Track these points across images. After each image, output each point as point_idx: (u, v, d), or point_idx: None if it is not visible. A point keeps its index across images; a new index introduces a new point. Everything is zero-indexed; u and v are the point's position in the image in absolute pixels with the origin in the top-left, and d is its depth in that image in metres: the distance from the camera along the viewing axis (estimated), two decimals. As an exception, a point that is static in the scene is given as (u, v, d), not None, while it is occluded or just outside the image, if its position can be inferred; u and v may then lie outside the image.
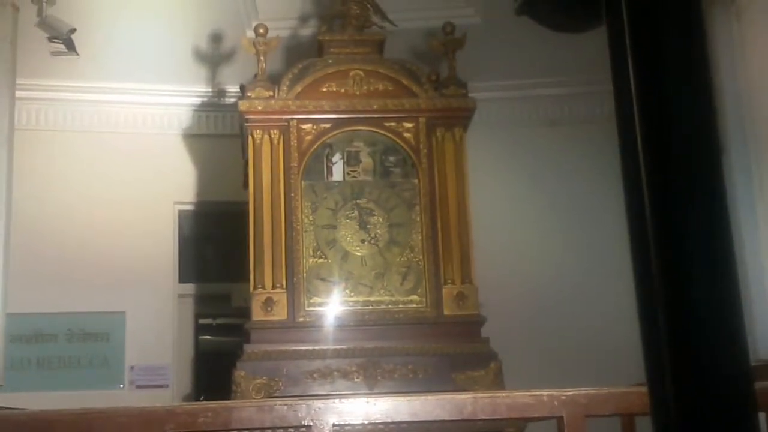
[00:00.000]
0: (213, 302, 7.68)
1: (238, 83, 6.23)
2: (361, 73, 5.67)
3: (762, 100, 5.41)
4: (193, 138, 7.27)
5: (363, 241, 5.49)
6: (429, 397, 2.97)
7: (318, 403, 2.81)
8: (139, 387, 6.79)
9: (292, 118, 5.52)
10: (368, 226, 5.51)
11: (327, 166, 5.63)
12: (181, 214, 7.29)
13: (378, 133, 5.63)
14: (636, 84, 0.80)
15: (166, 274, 7.06)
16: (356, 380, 5.05)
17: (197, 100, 7.29)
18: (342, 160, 5.65)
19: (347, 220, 5.52)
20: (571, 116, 7.35)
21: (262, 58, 5.59)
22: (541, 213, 7.08)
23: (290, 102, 5.54)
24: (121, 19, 6.60)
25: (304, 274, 5.33)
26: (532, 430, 4.80)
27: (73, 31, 6.33)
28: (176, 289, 7.15)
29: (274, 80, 5.62)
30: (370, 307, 5.35)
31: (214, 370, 6.60)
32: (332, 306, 5.34)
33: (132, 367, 6.83)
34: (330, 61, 5.71)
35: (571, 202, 7.04)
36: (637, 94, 0.80)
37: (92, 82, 6.99)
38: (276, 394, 4.91)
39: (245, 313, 5.50)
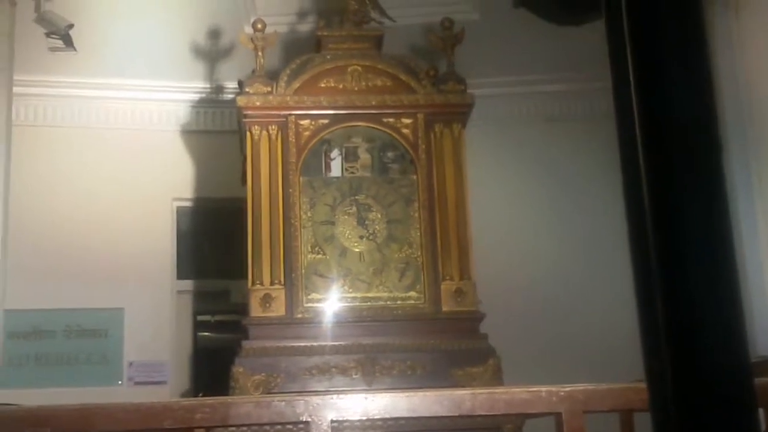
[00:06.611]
0: (211, 299, 7.67)
1: (236, 79, 6.22)
2: (360, 68, 5.66)
3: (760, 95, 5.41)
4: (191, 134, 7.26)
5: (361, 237, 5.49)
6: (427, 393, 2.97)
7: (316, 399, 2.80)
8: (137, 384, 6.78)
9: (291, 114, 5.51)
10: (366, 222, 5.51)
11: (325, 162, 5.63)
12: (179, 211, 7.28)
13: (376, 128, 5.62)
14: (635, 80, 0.79)
15: (165, 271, 7.05)
16: (354, 376, 5.05)
17: (195, 96, 7.27)
18: (340, 156, 5.64)
19: (345, 216, 5.51)
20: (569, 112, 7.34)
21: (260, 53, 5.58)
22: (539, 209, 7.07)
23: (288, 98, 5.53)
24: (119, 15, 6.60)
25: (303, 270, 5.33)
26: (531, 427, 4.80)
27: (71, 26, 6.33)
28: (174, 285, 7.14)
29: (272, 76, 5.61)
30: (369, 303, 5.35)
31: (213, 366, 6.59)
32: (330, 302, 5.34)
33: (130, 364, 6.83)
34: (328, 57, 5.70)
35: (570, 198, 7.03)
36: (636, 90, 0.80)
37: (90, 78, 6.97)
38: (274, 390, 4.91)
39: (244, 309, 5.50)
